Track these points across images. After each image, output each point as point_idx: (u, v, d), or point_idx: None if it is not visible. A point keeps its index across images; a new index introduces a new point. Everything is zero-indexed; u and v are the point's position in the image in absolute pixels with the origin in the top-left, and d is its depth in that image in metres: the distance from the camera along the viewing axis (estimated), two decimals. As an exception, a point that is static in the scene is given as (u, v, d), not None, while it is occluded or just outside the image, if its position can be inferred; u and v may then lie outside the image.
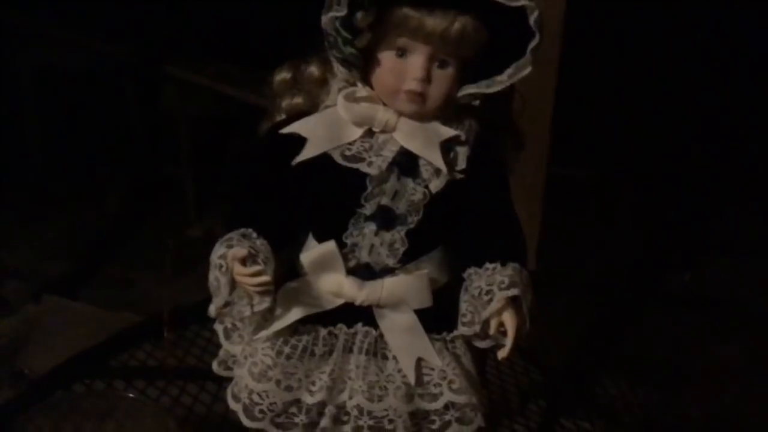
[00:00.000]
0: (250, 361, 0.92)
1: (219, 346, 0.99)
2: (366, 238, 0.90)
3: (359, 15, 0.84)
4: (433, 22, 0.84)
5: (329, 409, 0.92)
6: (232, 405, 0.94)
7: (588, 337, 2.05)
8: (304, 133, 0.90)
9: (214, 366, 0.98)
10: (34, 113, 3.07)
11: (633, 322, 2.16)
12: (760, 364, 1.98)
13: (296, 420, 0.92)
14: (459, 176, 0.90)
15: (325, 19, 0.85)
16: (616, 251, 2.52)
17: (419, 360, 0.92)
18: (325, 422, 0.92)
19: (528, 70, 0.87)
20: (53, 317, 2.12)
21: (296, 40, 0.94)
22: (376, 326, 0.93)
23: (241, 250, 0.86)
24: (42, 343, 1.99)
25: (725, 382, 1.91)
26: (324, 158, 0.90)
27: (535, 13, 0.83)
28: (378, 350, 0.93)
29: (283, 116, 0.95)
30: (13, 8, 2.73)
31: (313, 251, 0.92)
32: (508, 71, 0.88)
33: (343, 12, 0.83)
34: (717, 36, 3.24)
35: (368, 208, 0.90)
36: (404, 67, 0.87)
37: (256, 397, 0.91)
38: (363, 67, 0.89)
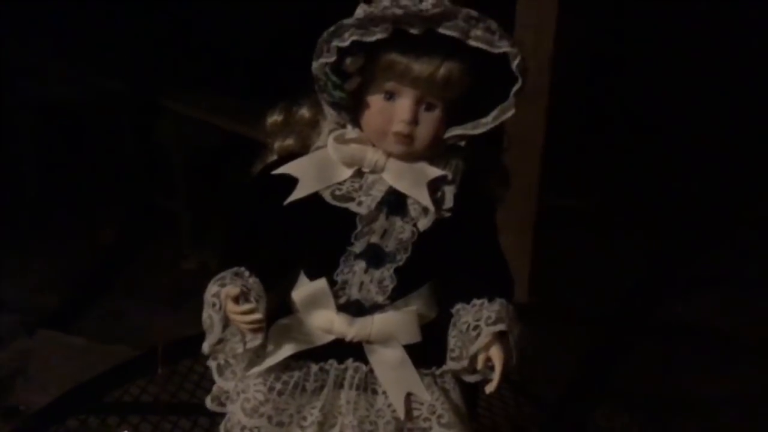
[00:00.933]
0: (242, 397, 0.94)
1: (212, 381, 1.01)
2: (356, 275, 0.93)
3: (348, 61, 0.88)
4: (420, 67, 0.87)
5: (320, 444, 0.93)
6: (225, 440, 0.95)
7: (580, 368, 2.07)
8: (295, 174, 0.93)
9: (207, 402, 0.99)
10: (31, 145, 3.09)
11: (625, 353, 2.17)
12: (753, 395, 1.99)
13: (288, 455, 0.93)
14: (446, 215, 0.93)
15: (315, 65, 0.88)
16: (609, 282, 2.54)
17: (409, 395, 0.94)
18: (316, 457, 0.93)
19: (511, 112, 0.90)
20: (47, 351, 2.12)
21: (291, 73, 0.97)
22: (366, 362, 0.94)
23: (233, 289, 0.88)
24: (36, 377, 2.00)
25: (718, 413, 1.92)
26: (315, 198, 0.92)
27: (518, 59, 0.86)
28: (368, 385, 0.95)
29: (275, 157, 0.98)
30: (10, 42, 2.77)
31: (304, 289, 0.94)
32: (493, 113, 0.91)
33: (332, 58, 0.87)
34: (709, 67, 3.30)
35: (358, 247, 0.92)
36: (392, 110, 0.90)
37: (248, 433, 0.93)
38: (352, 109, 0.92)
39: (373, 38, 0.85)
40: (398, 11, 0.84)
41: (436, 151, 0.93)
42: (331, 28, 0.86)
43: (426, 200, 0.91)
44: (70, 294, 2.48)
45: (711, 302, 2.46)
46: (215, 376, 0.99)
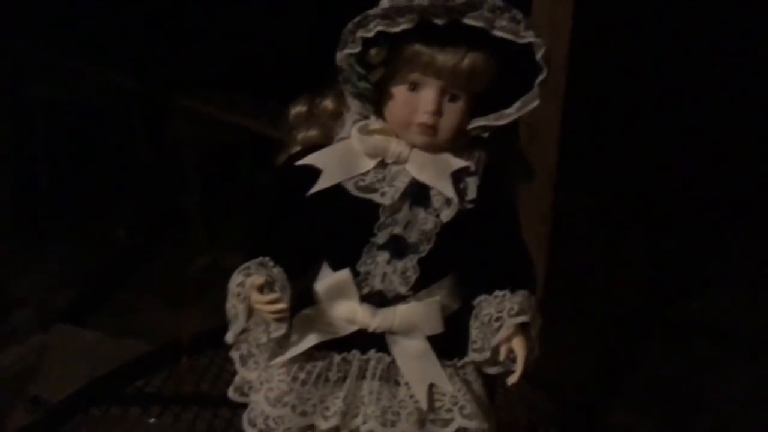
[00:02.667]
0: (266, 386, 0.94)
1: (232, 373, 1.01)
2: (379, 266, 0.93)
3: (373, 51, 0.88)
4: (444, 58, 0.87)
5: (343, 434, 0.93)
6: (248, 430, 0.95)
7: (597, 365, 2.06)
8: (318, 165, 0.93)
9: (230, 392, 1.00)
10: (45, 144, 3.11)
11: (642, 350, 2.17)
12: (768, 394, 1.99)
13: (311, 445, 0.94)
14: (469, 206, 0.93)
15: (340, 55, 0.88)
16: (625, 280, 2.53)
17: (431, 386, 0.94)
18: (339, 447, 0.94)
19: (536, 103, 0.90)
20: (63, 346, 2.13)
21: (304, 71, 0.97)
22: (388, 352, 0.95)
23: (258, 278, 0.88)
24: (51, 371, 2.01)
25: (734, 411, 1.91)
26: (338, 189, 0.92)
27: (542, 49, 0.86)
28: (391, 376, 0.95)
29: (299, 148, 0.98)
30: (24, 41, 2.78)
31: (327, 279, 0.94)
32: (516, 104, 0.91)
33: (357, 49, 0.87)
34: (729, 62, 3.28)
35: (381, 238, 0.92)
36: (416, 101, 0.90)
37: (271, 423, 0.93)
38: (376, 100, 0.93)
39: (398, 29, 0.85)
40: (424, 1, 0.84)
41: (460, 142, 0.93)
42: (357, 19, 0.86)
43: (449, 191, 0.91)
44: (85, 290, 2.50)
45: (728, 300, 2.45)
46: (238, 366, 0.99)
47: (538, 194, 2.17)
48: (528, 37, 0.86)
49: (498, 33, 0.86)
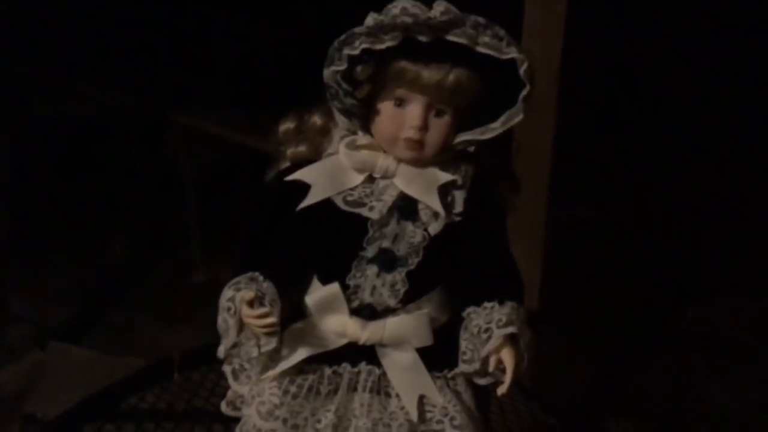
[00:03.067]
0: (257, 400, 0.95)
1: (226, 388, 1.02)
2: (368, 279, 0.94)
3: (359, 68, 0.89)
4: (429, 74, 0.89)
5: (335, 447, 0.94)
6: (241, 444, 0.96)
7: (590, 376, 2.07)
8: (307, 180, 0.94)
9: (223, 407, 1.00)
10: (43, 161, 3.12)
11: (637, 360, 2.17)
12: (764, 405, 1.99)
13: (303, 458, 0.94)
14: (456, 219, 0.94)
15: (326, 72, 0.90)
16: (621, 289, 2.54)
17: (421, 397, 0.95)
18: (331, 460, 0.94)
19: (520, 117, 0.92)
20: (59, 363, 2.14)
21: (299, 87, 0.99)
22: (379, 365, 0.96)
23: (248, 293, 0.89)
24: (48, 389, 2.01)
25: (732, 420, 1.92)
26: (327, 204, 0.94)
27: (525, 65, 0.88)
28: (381, 388, 0.96)
29: (288, 164, 0.99)
30: (23, 60, 2.80)
31: (317, 293, 0.95)
32: (502, 119, 0.93)
33: (343, 66, 0.89)
34: (721, 75, 3.30)
35: (370, 251, 0.93)
36: (403, 116, 0.92)
37: (263, 436, 0.94)
38: (363, 116, 0.94)
39: (383, 46, 0.87)
40: (407, 19, 0.85)
41: (446, 156, 0.95)
42: (342, 37, 0.88)
43: (437, 205, 0.93)
44: (81, 307, 2.50)
45: (723, 310, 2.45)
46: (230, 381, 1.00)
47: (533, 205, 2.18)
48: (510, 53, 0.87)
49: (481, 49, 0.87)
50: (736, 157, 3.24)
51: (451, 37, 0.87)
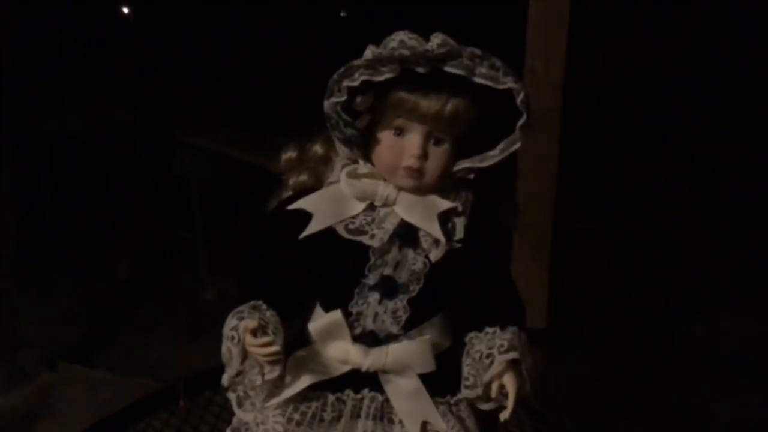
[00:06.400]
0: (261, 428, 0.96)
1: (232, 412, 1.02)
2: (370, 306, 0.95)
3: (358, 99, 0.91)
4: (428, 104, 0.90)
5: (339, 474, 0.95)
6: (245, 471, 0.97)
7: (600, 392, 2.06)
8: (309, 209, 0.95)
9: (228, 433, 1.01)
10: (50, 179, 3.14)
11: (646, 374, 2.17)
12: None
13: (307, 485, 0.95)
14: (457, 245, 0.95)
15: (327, 104, 0.91)
16: (629, 304, 2.53)
17: (424, 423, 0.96)
18: (335, 487, 0.95)
19: (518, 145, 0.93)
20: (69, 385, 2.15)
21: (305, 105, 1.00)
22: (382, 391, 0.96)
23: (251, 322, 0.90)
24: (59, 410, 2.03)
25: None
26: (329, 232, 0.95)
27: (521, 95, 0.89)
28: (384, 415, 0.96)
29: (290, 193, 1.01)
30: (29, 77, 2.83)
31: (320, 321, 0.96)
32: (500, 146, 0.94)
33: (343, 98, 0.90)
34: (724, 86, 3.30)
35: (372, 279, 0.94)
36: (402, 145, 0.93)
37: (267, 464, 0.94)
38: (364, 145, 0.95)
39: (381, 78, 0.88)
40: (405, 52, 0.87)
41: (446, 184, 0.96)
42: (342, 69, 0.89)
43: (437, 232, 0.94)
44: (90, 327, 2.52)
45: (732, 324, 2.45)
46: (235, 408, 1.01)
47: (539, 221, 2.18)
48: (507, 83, 0.89)
49: (478, 80, 0.89)
50: (748, 166, 3.23)
51: (448, 69, 0.88)
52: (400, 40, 0.87)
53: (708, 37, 3.16)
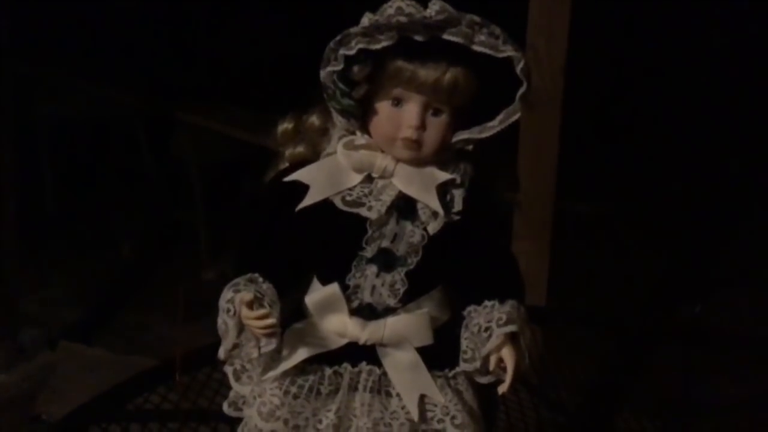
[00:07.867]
0: (258, 401, 0.95)
1: (230, 388, 1.02)
2: (368, 279, 0.94)
3: (355, 69, 0.89)
4: (426, 73, 0.89)
5: (336, 447, 0.94)
6: (243, 445, 0.97)
7: (598, 372, 2.06)
8: (306, 181, 0.94)
9: (225, 407, 1.01)
10: (50, 161, 3.14)
11: (645, 355, 2.16)
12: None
13: (304, 458, 0.95)
14: (456, 218, 0.94)
15: (323, 73, 0.90)
16: (628, 284, 2.53)
17: (422, 396, 0.95)
18: (332, 460, 0.94)
19: (517, 115, 0.92)
20: (69, 363, 2.16)
21: (306, 85, 0.99)
22: (379, 364, 0.96)
23: (247, 294, 0.90)
24: (58, 389, 2.03)
25: (738, 417, 1.91)
26: (326, 204, 0.94)
27: (521, 63, 0.88)
28: (382, 388, 0.96)
29: (287, 165, 0.99)
30: (29, 61, 2.82)
31: (317, 293, 0.95)
32: (499, 117, 0.92)
33: (339, 67, 0.89)
34: (727, 70, 3.29)
35: (369, 251, 0.93)
36: (400, 116, 0.92)
37: (264, 437, 0.94)
38: (361, 116, 0.94)
39: (379, 46, 0.87)
40: (403, 19, 0.85)
41: (445, 155, 0.95)
42: (338, 37, 0.88)
43: (435, 204, 0.93)
44: (91, 307, 2.52)
45: (731, 304, 2.44)
46: (232, 381, 1.00)
47: (539, 202, 2.18)
48: (507, 51, 0.87)
49: (477, 48, 0.87)
50: (742, 152, 3.22)
51: (447, 36, 0.86)
52: (398, 7, 0.86)
53: (714, 17, 3.14)
